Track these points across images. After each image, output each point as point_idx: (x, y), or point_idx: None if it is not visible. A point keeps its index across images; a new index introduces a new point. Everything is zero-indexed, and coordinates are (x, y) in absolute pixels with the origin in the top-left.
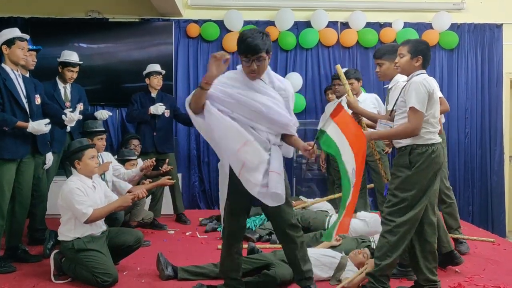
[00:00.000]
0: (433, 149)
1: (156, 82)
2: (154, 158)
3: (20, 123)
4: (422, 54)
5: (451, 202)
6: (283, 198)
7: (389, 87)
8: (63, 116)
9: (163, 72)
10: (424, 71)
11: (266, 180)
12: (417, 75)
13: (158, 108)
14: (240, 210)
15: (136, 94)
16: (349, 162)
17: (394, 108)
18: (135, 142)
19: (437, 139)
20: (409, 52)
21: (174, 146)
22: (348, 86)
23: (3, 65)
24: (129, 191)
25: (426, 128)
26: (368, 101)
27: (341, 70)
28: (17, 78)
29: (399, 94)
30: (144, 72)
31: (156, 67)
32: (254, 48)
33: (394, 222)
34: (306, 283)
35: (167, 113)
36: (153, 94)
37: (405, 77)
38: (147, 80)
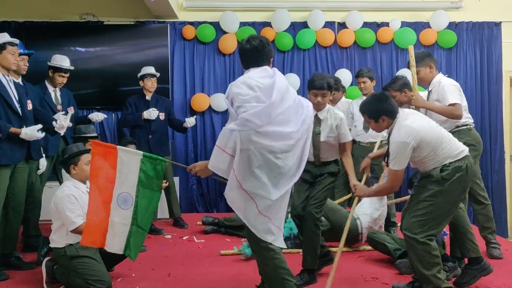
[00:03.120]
0: (466, 162)
1: (150, 85)
2: None
3: (13, 129)
4: (384, 112)
5: (486, 204)
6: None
7: (429, 89)
8: (54, 123)
9: (158, 74)
10: (396, 119)
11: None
12: (394, 126)
13: (151, 113)
14: None
15: (131, 98)
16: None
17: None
18: (132, 147)
19: (465, 149)
20: (371, 118)
21: (170, 150)
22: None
23: None
24: None
25: (444, 149)
26: None
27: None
28: (9, 83)
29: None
30: (139, 75)
31: (150, 70)
32: None
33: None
34: None
35: (162, 116)
36: (148, 97)
37: (441, 77)
38: (141, 83)
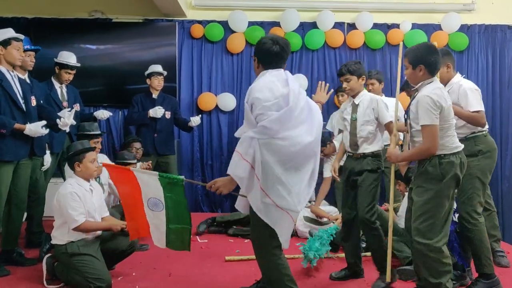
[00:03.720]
0: (460, 157)
1: (157, 83)
2: (150, 162)
3: (17, 125)
4: (423, 62)
5: (492, 211)
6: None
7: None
8: (57, 120)
9: (165, 73)
10: (433, 79)
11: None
12: (427, 84)
13: (157, 112)
14: None
15: (137, 96)
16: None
17: (410, 122)
18: (137, 145)
19: (461, 146)
20: (410, 63)
21: (175, 149)
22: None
23: None
24: None
25: (449, 136)
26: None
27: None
28: (13, 79)
29: (409, 105)
30: (146, 73)
31: (158, 68)
32: None
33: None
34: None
35: (168, 115)
36: (154, 95)
37: (459, 78)
38: (148, 81)
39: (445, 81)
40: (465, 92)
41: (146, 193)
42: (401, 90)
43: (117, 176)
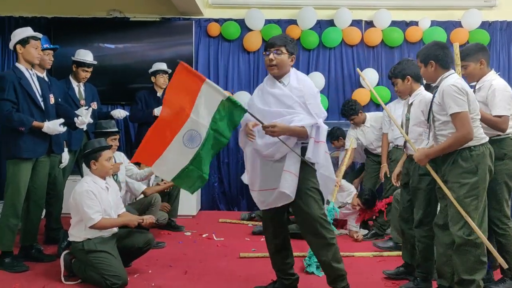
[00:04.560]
0: (489, 147)
1: (162, 81)
2: None
3: (35, 123)
4: (432, 57)
5: None
6: (291, 197)
7: (476, 87)
8: (75, 119)
9: (169, 71)
10: (451, 72)
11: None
12: (447, 77)
13: None
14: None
15: (141, 93)
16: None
17: (433, 116)
18: None
19: (487, 136)
20: (421, 62)
21: None
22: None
23: (17, 64)
24: (143, 193)
25: (476, 127)
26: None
27: None
28: (32, 77)
29: (432, 101)
30: (150, 71)
31: (163, 66)
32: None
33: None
34: (340, 284)
35: None
36: (159, 93)
37: (493, 75)
38: (153, 79)
39: (477, 78)
40: (493, 93)
41: (191, 122)
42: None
43: (179, 84)
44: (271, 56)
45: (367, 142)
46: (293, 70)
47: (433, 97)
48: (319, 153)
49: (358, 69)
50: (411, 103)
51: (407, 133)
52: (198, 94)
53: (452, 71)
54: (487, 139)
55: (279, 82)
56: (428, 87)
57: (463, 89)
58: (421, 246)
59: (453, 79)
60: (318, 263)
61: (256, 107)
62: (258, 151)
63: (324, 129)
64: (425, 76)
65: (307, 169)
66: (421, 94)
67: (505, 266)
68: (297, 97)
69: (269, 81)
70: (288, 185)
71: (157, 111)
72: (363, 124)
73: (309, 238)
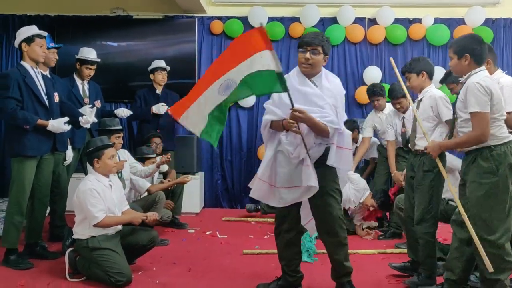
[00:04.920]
0: (511, 147)
1: (161, 78)
2: (169, 154)
3: (40, 121)
4: (469, 51)
5: None
6: (316, 187)
7: None
8: (80, 118)
9: (168, 68)
10: (481, 68)
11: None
12: (474, 73)
13: (160, 108)
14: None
15: (140, 91)
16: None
17: (457, 112)
18: (157, 140)
19: (510, 136)
20: (455, 53)
21: (175, 145)
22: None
23: (22, 62)
24: (148, 190)
25: (498, 126)
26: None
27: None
28: (37, 75)
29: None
30: (149, 68)
31: (161, 63)
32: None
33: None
34: (345, 279)
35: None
36: (158, 90)
37: (500, 74)
38: (151, 76)
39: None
40: (501, 90)
41: (233, 72)
42: (441, 82)
43: (245, 40)
44: (308, 55)
45: (382, 129)
46: (323, 71)
47: (459, 93)
48: (342, 159)
49: (391, 59)
50: (420, 100)
51: (415, 130)
52: (254, 55)
53: (482, 67)
54: (510, 138)
55: (310, 81)
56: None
57: (487, 88)
58: (422, 242)
59: (479, 77)
60: (308, 250)
61: (281, 99)
62: (284, 152)
63: (348, 135)
64: (456, 69)
65: (330, 170)
66: (431, 90)
67: (490, 270)
68: (328, 98)
69: (299, 78)
70: (311, 177)
71: (155, 108)
72: (381, 112)
73: (325, 236)
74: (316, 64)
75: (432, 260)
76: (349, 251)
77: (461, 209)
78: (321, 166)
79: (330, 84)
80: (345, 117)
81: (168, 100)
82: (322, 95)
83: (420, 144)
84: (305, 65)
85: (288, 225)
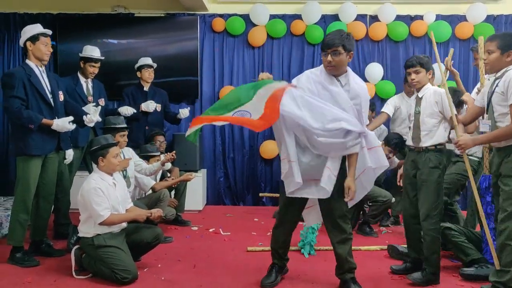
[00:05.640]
0: None
1: (148, 75)
2: (174, 152)
3: (45, 120)
4: None
5: None
6: (328, 193)
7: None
8: (84, 117)
9: (155, 65)
10: None
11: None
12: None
13: (149, 106)
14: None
15: (128, 89)
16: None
17: (494, 106)
18: (161, 138)
19: None
20: (498, 48)
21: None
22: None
23: (27, 61)
24: (152, 188)
25: None
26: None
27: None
28: (42, 74)
29: (494, 88)
30: (136, 66)
31: (147, 60)
32: (328, 42)
33: None
34: (349, 275)
35: (159, 108)
36: (146, 88)
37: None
38: (138, 74)
39: (497, 69)
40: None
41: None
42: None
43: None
44: (329, 58)
45: (406, 115)
46: (349, 71)
47: (495, 86)
48: (379, 158)
49: (431, 33)
50: (421, 97)
51: (418, 126)
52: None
53: None
54: None
55: (337, 79)
56: None
57: None
58: (428, 239)
59: None
60: (311, 243)
61: (307, 96)
62: (316, 137)
63: (373, 134)
64: (494, 64)
65: (341, 171)
66: (430, 88)
67: (498, 267)
68: (352, 101)
69: (326, 76)
70: (328, 182)
71: (144, 106)
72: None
73: (331, 230)
74: (339, 64)
75: (436, 257)
76: (352, 247)
77: (478, 204)
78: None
79: (358, 87)
80: (367, 122)
81: (156, 97)
82: (347, 98)
83: (425, 140)
84: (329, 67)
85: (292, 216)
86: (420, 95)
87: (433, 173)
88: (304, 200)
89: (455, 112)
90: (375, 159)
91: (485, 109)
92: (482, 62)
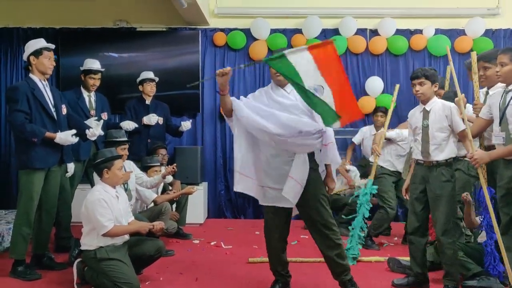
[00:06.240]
0: None
1: (150, 89)
2: (175, 164)
3: (48, 134)
4: None
5: None
6: (292, 204)
7: (490, 93)
8: (86, 131)
9: (156, 79)
10: None
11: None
12: None
13: (151, 119)
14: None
15: (130, 102)
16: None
17: (508, 118)
18: (163, 151)
19: None
20: (511, 61)
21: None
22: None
23: (31, 75)
24: (154, 201)
25: None
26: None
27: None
28: (45, 88)
29: (508, 101)
30: (138, 80)
31: (149, 74)
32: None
33: None
34: (346, 277)
35: (161, 121)
36: (148, 101)
37: None
38: (140, 87)
39: (495, 82)
40: None
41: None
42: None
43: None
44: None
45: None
46: None
47: (510, 99)
48: (328, 155)
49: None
50: (429, 110)
51: (427, 140)
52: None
53: None
54: None
55: (284, 90)
56: None
57: None
58: (449, 252)
59: None
60: (354, 255)
61: (260, 107)
62: (275, 136)
63: (331, 130)
64: (507, 76)
65: (316, 176)
66: (437, 101)
67: None
68: (301, 104)
69: (274, 89)
70: (291, 192)
71: (146, 119)
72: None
73: (317, 238)
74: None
75: (455, 268)
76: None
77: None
78: (311, 172)
79: None
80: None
81: (157, 110)
82: (297, 103)
83: (435, 155)
84: (276, 75)
85: (279, 235)
86: (427, 108)
87: (446, 187)
88: (284, 213)
89: (468, 125)
90: (330, 156)
91: (499, 121)
92: (476, 77)
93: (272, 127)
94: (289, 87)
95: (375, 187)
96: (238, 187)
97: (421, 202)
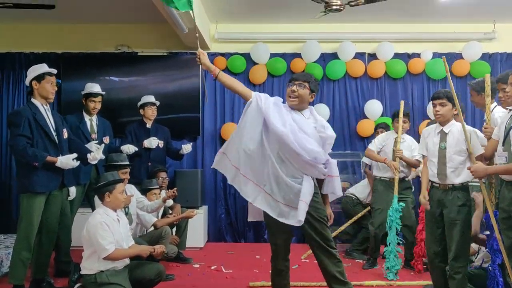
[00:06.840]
0: None
1: (151, 113)
2: (176, 188)
3: (49, 158)
4: None
5: None
6: (301, 222)
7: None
8: (88, 155)
9: (157, 103)
10: None
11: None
12: None
13: (151, 142)
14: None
15: (131, 126)
16: None
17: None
18: (163, 175)
19: None
20: None
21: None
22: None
23: (33, 99)
24: (154, 225)
25: None
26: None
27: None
28: (47, 112)
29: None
30: (139, 104)
31: (150, 98)
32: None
33: None
34: None
35: (161, 144)
36: (148, 125)
37: None
38: (141, 111)
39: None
40: None
41: None
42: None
43: None
44: (294, 87)
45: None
46: (312, 108)
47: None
48: (335, 186)
49: (443, 58)
50: (447, 132)
51: (444, 162)
52: None
53: None
54: None
55: (302, 114)
56: None
57: None
58: (458, 277)
59: None
60: (394, 268)
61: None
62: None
63: (334, 163)
64: None
65: (318, 198)
66: (456, 124)
67: None
68: (318, 131)
69: (291, 111)
70: (303, 214)
71: (147, 142)
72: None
73: (320, 256)
74: (302, 96)
75: None
76: (354, 282)
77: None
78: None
79: (324, 122)
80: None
81: (158, 134)
82: (312, 126)
83: (453, 177)
84: (292, 98)
85: (285, 253)
86: (446, 130)
87: (462, 212)
88: (288, 232)
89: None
90: (336, 187)
91: (502, 141)
92: (489, 99)
93: (295, 145)
94: (306, 113)
95: (402, 204)
96: (217, 165)
97: (439, 225)
